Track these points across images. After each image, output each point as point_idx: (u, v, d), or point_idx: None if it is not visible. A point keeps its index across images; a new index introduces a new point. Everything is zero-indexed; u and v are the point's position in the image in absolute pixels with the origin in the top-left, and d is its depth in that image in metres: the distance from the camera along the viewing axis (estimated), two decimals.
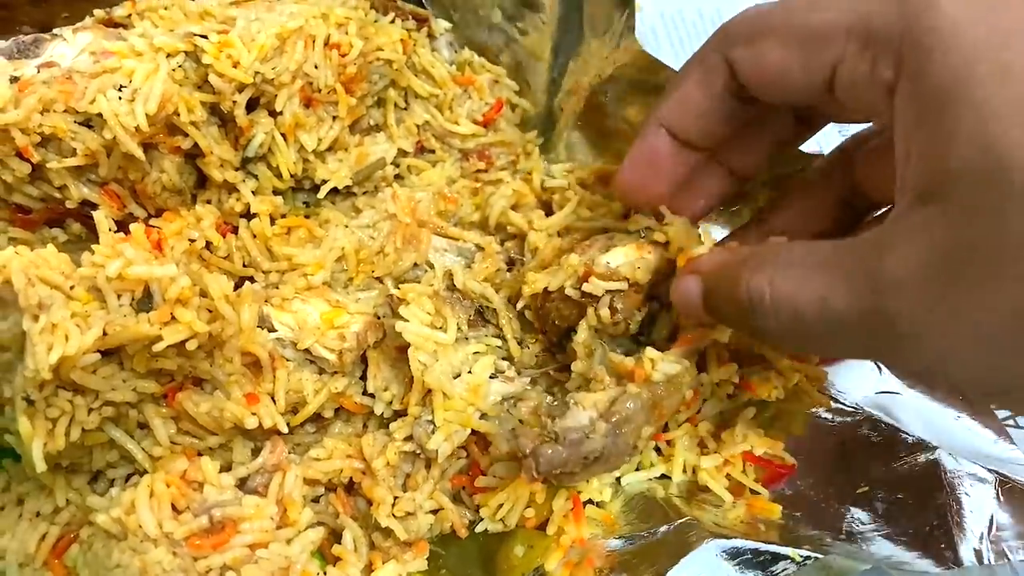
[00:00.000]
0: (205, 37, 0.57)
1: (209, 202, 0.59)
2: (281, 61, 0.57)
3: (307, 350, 0.54)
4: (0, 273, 0.45)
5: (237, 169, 0.59)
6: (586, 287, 0.53)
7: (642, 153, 0.50)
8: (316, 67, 0.59)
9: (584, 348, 0.53)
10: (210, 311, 0.50)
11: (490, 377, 0.55)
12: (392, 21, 0.66)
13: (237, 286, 0.57)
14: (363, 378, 0.57)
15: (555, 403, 0.53)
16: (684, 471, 0.56)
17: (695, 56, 0.46)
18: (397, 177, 0.68)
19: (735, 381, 0.53)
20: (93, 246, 0.50)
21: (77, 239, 0.58)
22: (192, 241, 0.56)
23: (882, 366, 0.60)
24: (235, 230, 0.59)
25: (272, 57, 0.57)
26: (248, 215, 0.60)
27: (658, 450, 0.57)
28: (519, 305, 0.58)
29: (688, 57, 0.47)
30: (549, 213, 0.65)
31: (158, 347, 0.47)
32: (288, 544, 0.49)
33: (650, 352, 0.49)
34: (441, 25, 0.70)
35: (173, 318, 0.48)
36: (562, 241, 0.60)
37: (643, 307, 0.54)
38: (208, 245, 0.58)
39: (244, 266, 0.58)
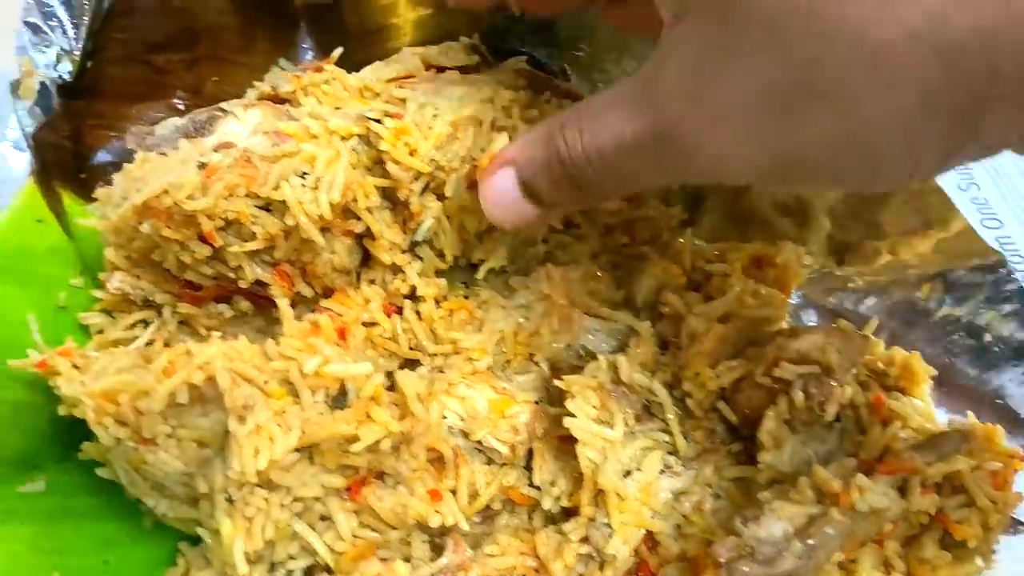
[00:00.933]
0: (379, 121, 0.57)
1: (373, 282, 0.60)
2: (453, 147, 0.58)
3: (479, 441, 0.54)
4: (203, 370, 0.46)
5: (404, 252, 0.59)
6: (777, 372, 0.53)
7: None
8: (482, 150, 0.59)
9: (772, 439, 0.53)
10: (396, 404, 0.51)
11: (659, 473, 0.55)
12: (548, 101, 0.66)
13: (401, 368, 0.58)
14: (526, 467, 0.57)
15: (725, 502, 0.53)
16: None
17: None
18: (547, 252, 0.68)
19: (931, 513, 0.52)
20: (280, 338, 0.50)
21: (243, 315, 0.59)
22: (366, 325, 0.57)
23: None
24: (399, 311, 0.59)
25: (445, 144, 0.57)
26: (411, 296, 0.60)
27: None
28: (686, 393, 0.58)
29: None
30: (697, 292, 0.65)
31: (355, 448, 0.47)
32: None
33: (861, 479, 0.48)
34: None
35: (368, 416, 0.48)
36: (724, 328, 0.60)
37: (837, 393, 0.53)
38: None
39: (410, 348, 0.58)
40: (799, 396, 0.52)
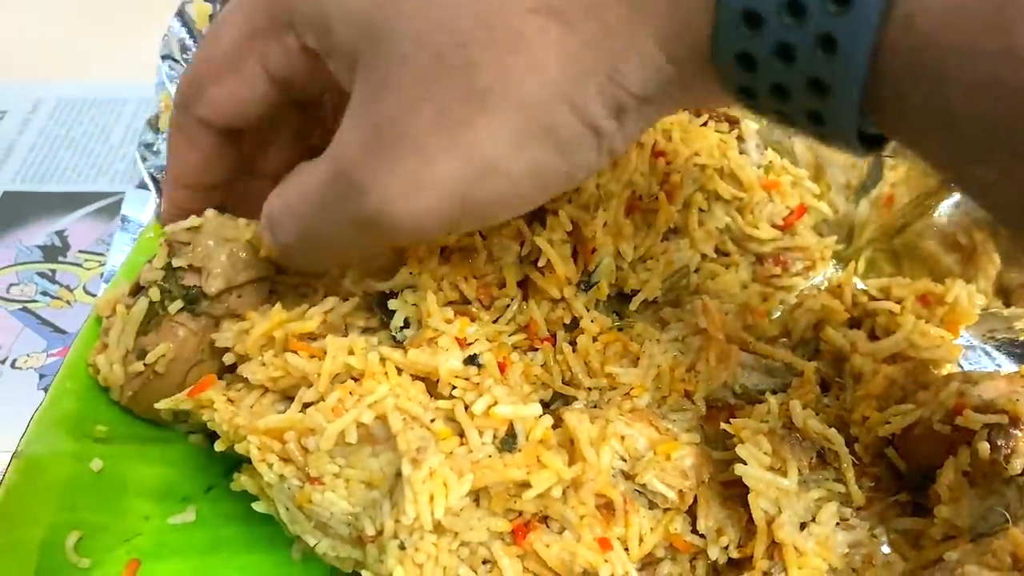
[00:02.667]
0: None
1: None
2: (615, 171, 0.55)
3: (643, 484, 0.51)
4: (373, 409, 0.44)
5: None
6: (959, 421, 0.49)
7: (175, 215, 0.54)
8: (642, 175, 0.57)
9: (951, 492, 0.49)
10: (562, 446, 0.49)
11: (835, 525, 0.51)
12: (705, 124, 0.63)
13: (551, 402, 0.56)
14: (688, 511, 0.54)
15: (896, 556, 0.50)
16: None
17: (171, 127, 0.50)
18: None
19: None
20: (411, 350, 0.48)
21: None
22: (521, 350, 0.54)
23: None
24: (552, 340, 0.57)
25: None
26: (568, 327, 0.57)
27: None
28: (852, 438, 0.54)
29: None
30: (857, 328, 0.61)
31: (528, 495, 0.45)
32: None
33: None
34: (751, 127, 0.67)
35: (539, 461, 0.46)
36: (892, 370, 0.56)
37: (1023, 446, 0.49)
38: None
39: (563, 382, 0.56)
40: (984, 447, 0.49)
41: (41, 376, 0.66)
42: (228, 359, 0.54)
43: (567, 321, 0.56)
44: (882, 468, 0.55)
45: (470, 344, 0.50)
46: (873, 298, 0.62)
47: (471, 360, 0.49)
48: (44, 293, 0.72)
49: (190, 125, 0.48)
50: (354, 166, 0.37)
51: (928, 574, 0.47)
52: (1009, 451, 0.49)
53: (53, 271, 0.73)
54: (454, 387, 0.48)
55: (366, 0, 0.35)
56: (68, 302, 0.71)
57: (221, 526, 0.54)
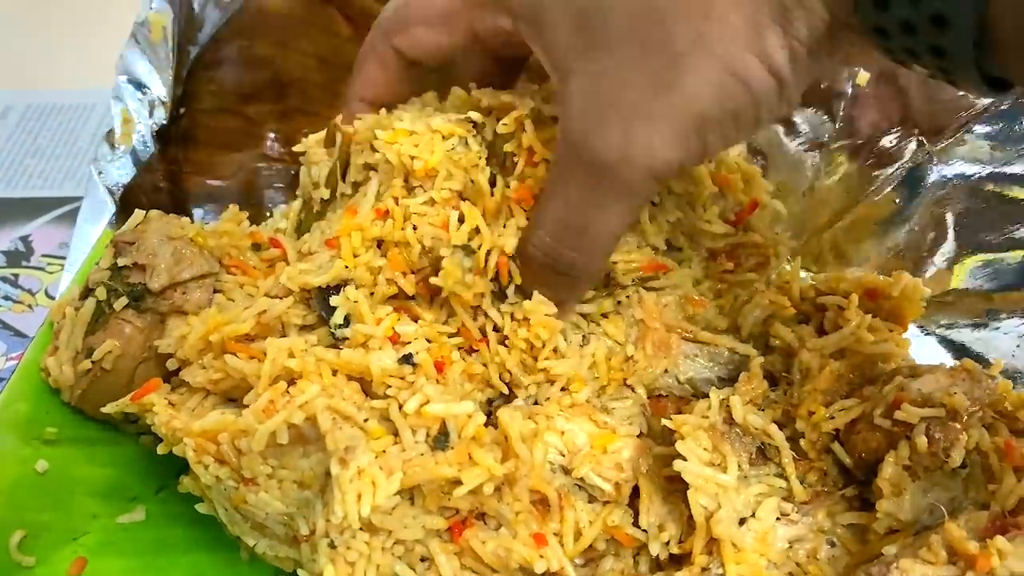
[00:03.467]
0: None
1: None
2: None
3: (580, 478, 0.52)
4: (304, 409, 0.44)
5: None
6: (898, 415, 0.49)
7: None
8: None
9: (892, 486, 0.49)
10: (497, 444, 0.49)
11: (775, 520, 0.51)
12: None
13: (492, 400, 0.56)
14: (630, 505, 0.54)
15: (841, 550, 0.50)
16: None
17: (366, 46, 0.57)
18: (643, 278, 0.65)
19: None
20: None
21: None
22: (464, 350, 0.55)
23: None
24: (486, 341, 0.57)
25: None
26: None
27: None
28: (798, 434, 0.54)
29: None
30: (806, 323, 0.62)
31: (458, 492, 0.45)
32: None
33: (1000, 542, 0.44)
34: None
35: (470, 458, 0.46)
36: (839, 365, 0.56)
37: (962, 439, 0.49)
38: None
39: (504, 381, 0.56)
40: (922, 441, 0.49)
41: (0, 380, 0.66)
42: (171, 364, 0.54)
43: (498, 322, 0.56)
44: (828, 463, 0.55)
45: (407, 343, 0.50)
46: (820, 292, 0.62)
47: (406, 359, 0.49)
48: (6, 298, 0.72)
49: (385, 51, 0.55)
50: (588, 148, 0.42)
51: (866, 569, 0.47)
52: (948, 444, 0.49)
53: (16, 275, 0.74)
54: (389, 386, 0.48)
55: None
56: (30, 306, 0.72)
57: (170, 526, 0.55)
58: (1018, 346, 0.69)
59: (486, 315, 0.55)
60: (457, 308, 0.55)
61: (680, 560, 0.52)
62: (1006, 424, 0.54)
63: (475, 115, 0.67)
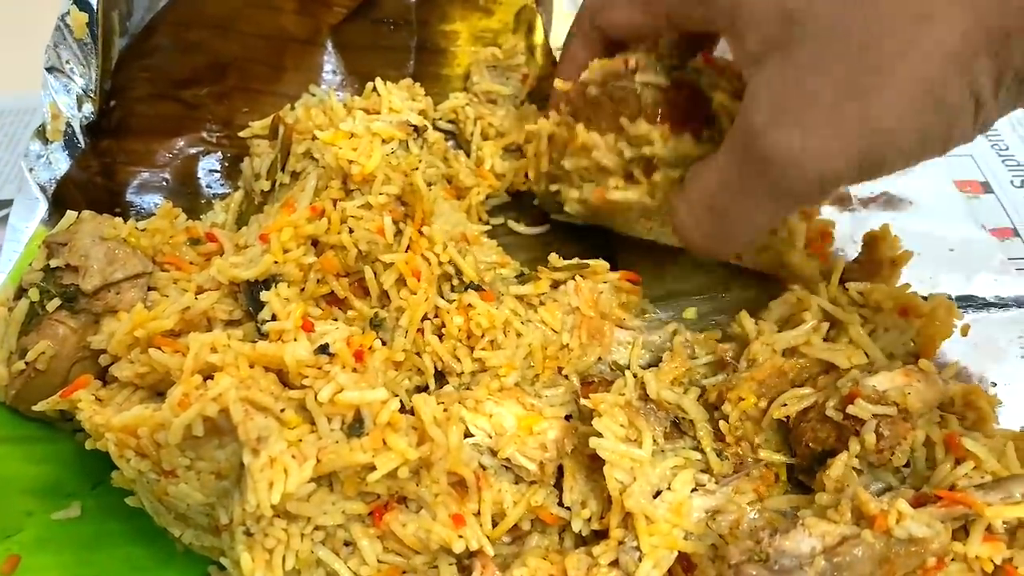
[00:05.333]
0: None
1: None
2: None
3: (507, 459, 0.53)
4: (217, 402, 0.45)
5: None
6: (851, 409, 0.51)
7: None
8: None
9: (836, 483, 0.51)
10: (415, 428, 0.50)
11: (691, 492, 0.53)
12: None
13: (425, 388, 0.57)
14: (556, 485, 0.55)
15: (764, 521, 0.51)
16: None
17: (573, 27, 0.61)
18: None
19: (996, 563, 0.48)
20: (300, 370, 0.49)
21: None
22: (383, 343, 0.56)
23: None
24: (420, 330, 0.58)
25: None
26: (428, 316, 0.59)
27: None
28: (723, 415, 0.56)
29: None
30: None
31: (372, 477, 0.46)
32: None
33: (901, 505, 0.45)
34: None
35: (384, 444, 0.47)
36: (785, 362, 0.57)
37: (909, 439, 0.51)
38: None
39: (436, 369, 0.57)
40: (871, 438, 0.51)
41: None
42: (104, 360, 0.55)
43: (429, 312, 0.57)
44: (747, 449, 0.56)
45: (324, 334, 0.51)
46: (853, 301, 0.62)
47: (322, 349, 0.50)
48: None
49: (589, 29, 0.59)
50: (764, 141, 0.42)
51: (772, 527, 0.48)
52: (895, 443, 0.51)
53: None
54: (305, 377, 0.49)
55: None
56: None
57: (106, 521, 0.55)
58: None
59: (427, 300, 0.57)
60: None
61: (601, 535, 0.53)
62: (956, 415, 0.56)
63: (415, 118, 0.68)
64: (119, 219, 0.60)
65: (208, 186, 0.74)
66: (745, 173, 0.44)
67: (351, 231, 0.56)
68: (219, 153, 0.74)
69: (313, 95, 0.75)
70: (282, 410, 0.47)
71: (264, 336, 0.53)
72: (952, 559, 0.49)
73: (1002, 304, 0.73)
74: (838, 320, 0.59)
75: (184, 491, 0.46)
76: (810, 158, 0.41)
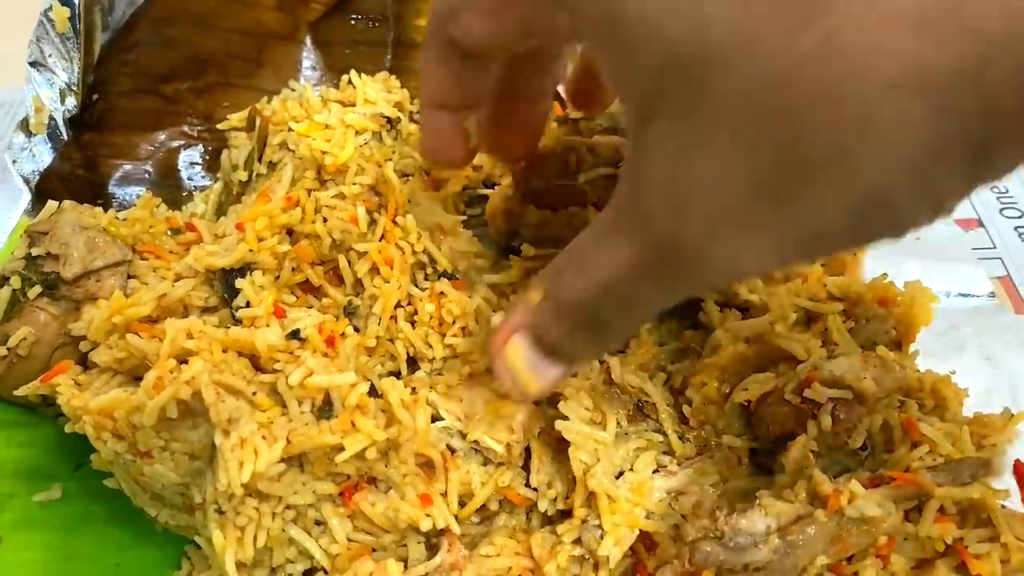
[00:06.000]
0: None
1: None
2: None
3: (475, 441, 0.54)
4: (190, 385, 0.47)
5: None
6: (808, 393, 0.52)
7: (432, 137, 0.53)
8: None
9: (795, 464, 0.52)
10: (384, 411, 0.51)
11: (652, 472, 0.54)
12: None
13: (398, 374, 0.59)
14: (524, 467, 0.57)
15: (726, 503, 0.52)
16: None
17: (427, 45, 0.50)
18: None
19: (947, 542, 0.50)
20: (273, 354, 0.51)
21: None
22: (357, 330, 0.57)
23: None
24: (394, 317, 0.60)
25: None
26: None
27: None
28: (686, 400, 0.58)
29: None
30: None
31: (340, 458, 0.48)
32: None
33: (854, 485, 0.47)
34: None
35: (353, 425, 0.49)
36: (747, 348, 0.58)
37: (866, 422, 0.53)
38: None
39: (408, 355, 0.59)
40: (826, 420, 0.52)
41: None
42: (84, 347, 0.57)
43: (402, 300, 0.59)
44: (711, 432, 0.58)
45: (296, 320, 0.53)
46: (833, 296, 0.61)
47: (294, 335, 0.51)
48: None
49: (441, 43, 0.48)
50: (675, 240, 0.35)
51: (731, 506, 0.50)
52: (851, 425, 0.52)
53: None
54: (277, 361, 0.50)
55: (685, 30, 0.30)
56: None
57: (89, 502, 0.57)
58: None
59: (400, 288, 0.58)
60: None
61: (568, 515, 0.54)
62: (916, 400, 0.58)
63: (389, 110, 0.70)
64: (99, 209, 0.62)
65: (189, 179, 0.76)
66: (642, 262, 0.37)
67: (325, 220, 0.57)
68: (200, 147, 0.76)
69: (292, 90, 0.76)
70: (254, 393, 0.49)
71: (238, 322, 0.54)
72: (905, 539, 0.51)
73: (965, 294, 0.75)
74: (816, 313, 0.60)
75: (159, 471, 0.48)
76: (717, 257, 0.35)
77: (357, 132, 0.65)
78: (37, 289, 0.58)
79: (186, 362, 0.49)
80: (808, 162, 0.29)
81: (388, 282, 0.57)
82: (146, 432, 0.48)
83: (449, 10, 0.46)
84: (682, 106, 0.31)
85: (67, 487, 0.58)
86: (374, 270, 0.59)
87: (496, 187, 0.69)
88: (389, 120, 0.69)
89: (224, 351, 0.50)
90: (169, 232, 0.65)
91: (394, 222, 0.59)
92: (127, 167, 0.73)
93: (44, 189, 0.69)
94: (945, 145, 0.28)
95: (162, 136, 0.75)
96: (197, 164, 0.76)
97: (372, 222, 0.59)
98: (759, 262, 0.37)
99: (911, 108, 0.27)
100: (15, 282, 0.58)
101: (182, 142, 0.76)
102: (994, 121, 0.27)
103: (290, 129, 0.66)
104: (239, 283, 0.56)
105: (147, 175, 0.74)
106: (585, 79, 0.61)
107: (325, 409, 0.49)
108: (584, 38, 0.39)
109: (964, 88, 0.26)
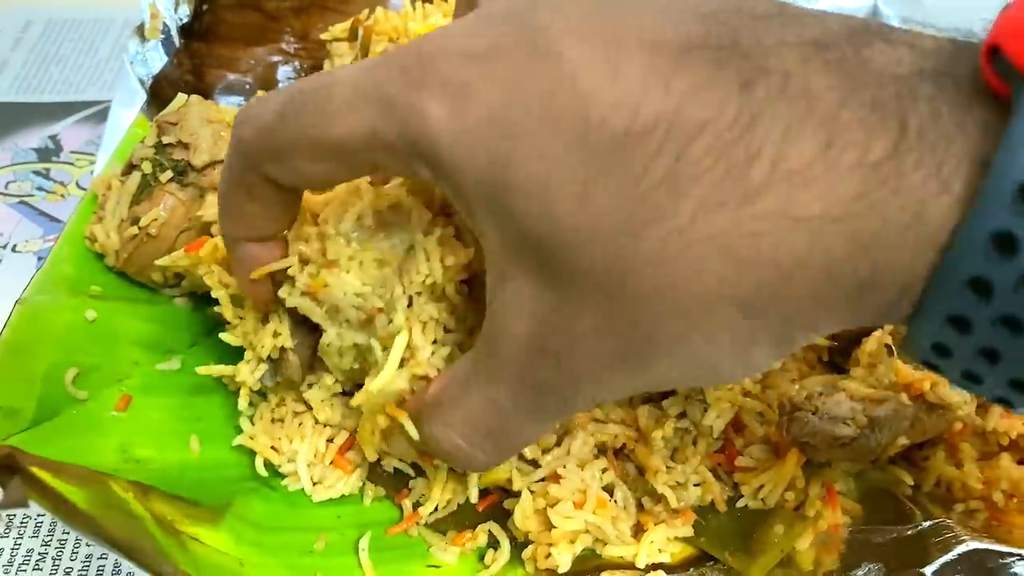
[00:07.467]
0: None
1: None
2: None
3: None
4: (384, 199, 0.48)
5: None
6: None
7: (245, 273, 0.49)
8: None
9: (870, 358, 0.55)
10: None
11: None
12: None
13: None
14: None
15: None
16: (938, 484, 0.56)
17: (231, 179, 0.43)
18: None
19: (1011, 437, 0.53)
20: None
21: None
22: None
23: None
24: None
25: None
26: None
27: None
28: None
29: None
30: None
31: None
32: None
33: (934, 376, 0.51)
34: None
35: None
36: None
37: None
38: None
39: None
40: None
41: (39, 258, 0.71)
42: (215, 231, 0.60)
43: None
44: None
45: None
46: None
47: None
48: (40, 188, 0.77)
49: (254, 181, 0.42)
50: (529, 374, 0.38)
51: (818, 389, 0.53)
52: None
53: (47, 170, 0.79)
54: None
55: (532, 212, 0.33)
56: (62, 195, 0.78)
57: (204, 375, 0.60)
58: None
59: None
60: None
61: (670, 392, 0.55)
62: None
63: None
64: (223, 104, 0.65)
65: None
66: (516, 398, 0.39)
67: None
68: (296, 63, 0.80)
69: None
70: None
71: None
72: (972, 433, 0.55)
73: None
74: None
75: (345, 279, 0.48)
76: (581, 406, 0.41)
77: None
78: (168, 174, 0.61)
79: None
80: (655, 341, 0.34)
81: None
82: (336, 240, 0.48)
83: (271, 152, 0.40)
84: (545, 277, 0.35)
85: (184, 360, 0.60)
86: None
87: None
88: None
89: None
90: None
91: None
92: (231, 77, 0.77)
93: (156, 92, 0.72)
94: (756, 337, 0.34)
95: (261, 51, 0.79)
96: (293, 79, 0.79)
97: None
98: (611, 399, 0.51)
99: (726, 313, 0.33)
100: (146, 167, 0.61)
101: (280, 58, 0.79)
102: (790, 325, 0.33)
103: (391, 39, 0.69)
104: None
105: (248, 86, 0.77)
106: None
107: None
108: (447, 194, 0.38)
109: (764, 305, 0.32)
